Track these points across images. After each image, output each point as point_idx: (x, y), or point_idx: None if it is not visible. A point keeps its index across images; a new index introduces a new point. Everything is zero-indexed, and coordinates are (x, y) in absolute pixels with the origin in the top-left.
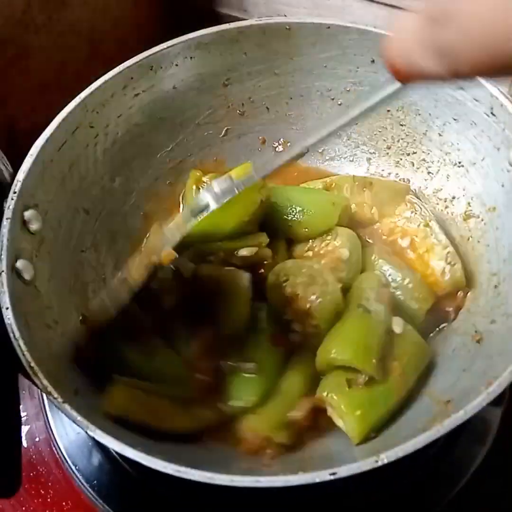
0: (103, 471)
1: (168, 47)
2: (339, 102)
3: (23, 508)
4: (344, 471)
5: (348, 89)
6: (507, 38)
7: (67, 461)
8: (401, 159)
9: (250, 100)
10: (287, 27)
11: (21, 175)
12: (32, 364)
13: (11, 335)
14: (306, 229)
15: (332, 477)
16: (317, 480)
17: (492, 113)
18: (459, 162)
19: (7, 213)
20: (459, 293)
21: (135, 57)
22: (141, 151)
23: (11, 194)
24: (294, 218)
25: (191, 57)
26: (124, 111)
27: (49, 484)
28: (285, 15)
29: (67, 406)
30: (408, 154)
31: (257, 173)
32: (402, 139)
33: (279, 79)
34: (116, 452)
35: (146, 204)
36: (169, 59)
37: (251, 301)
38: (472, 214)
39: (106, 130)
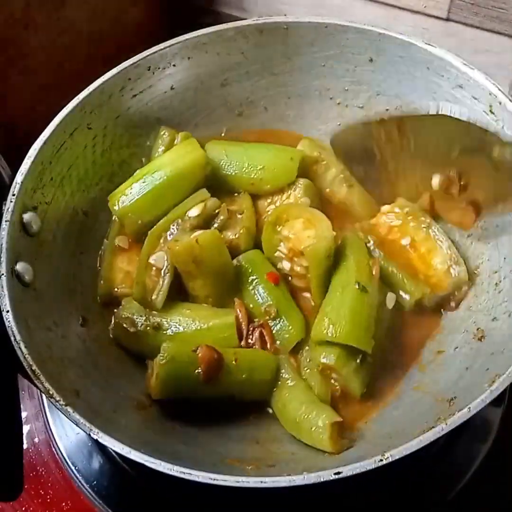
0: (103, 472)
1: (165, 47)
2: (338, 101)
3: (23, 509)
4: (348, 470)
5: (346, 88)
6: None
7: (66, 462)
8: None
9: (248, 100)
10: (285, 26)
11: (19, 177)
12: (34, 367)
13: (12, 338)
14: (269, 186)
15: (336, 477)
16: (322, 480)
17: (491, 111)
18: None
19: (6, 215)
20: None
21: (132, 58)
22: (139, 152)
23: (10, 196)
24: (255, 176)
25: (188, 57)
26: (122, 112)
27: (49, 484)
28: (285, 14)
29: (69, 409)
30: None
31: None
32: None
33: (277, 79)
34: (116, 453)
35: None
36: (166, 59)
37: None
38: None
39: (104, 131)
